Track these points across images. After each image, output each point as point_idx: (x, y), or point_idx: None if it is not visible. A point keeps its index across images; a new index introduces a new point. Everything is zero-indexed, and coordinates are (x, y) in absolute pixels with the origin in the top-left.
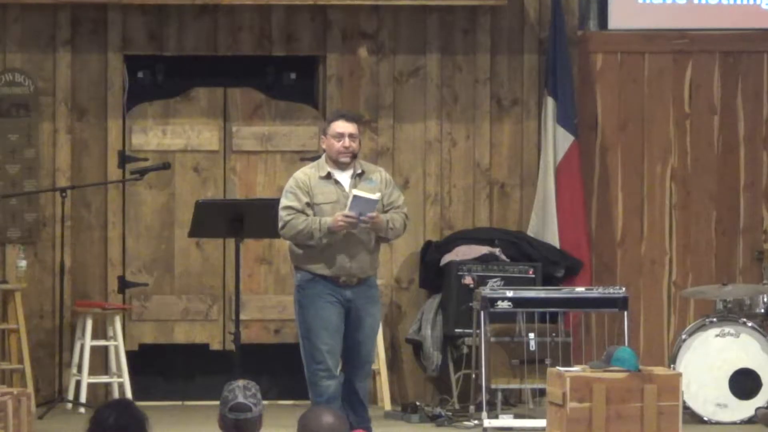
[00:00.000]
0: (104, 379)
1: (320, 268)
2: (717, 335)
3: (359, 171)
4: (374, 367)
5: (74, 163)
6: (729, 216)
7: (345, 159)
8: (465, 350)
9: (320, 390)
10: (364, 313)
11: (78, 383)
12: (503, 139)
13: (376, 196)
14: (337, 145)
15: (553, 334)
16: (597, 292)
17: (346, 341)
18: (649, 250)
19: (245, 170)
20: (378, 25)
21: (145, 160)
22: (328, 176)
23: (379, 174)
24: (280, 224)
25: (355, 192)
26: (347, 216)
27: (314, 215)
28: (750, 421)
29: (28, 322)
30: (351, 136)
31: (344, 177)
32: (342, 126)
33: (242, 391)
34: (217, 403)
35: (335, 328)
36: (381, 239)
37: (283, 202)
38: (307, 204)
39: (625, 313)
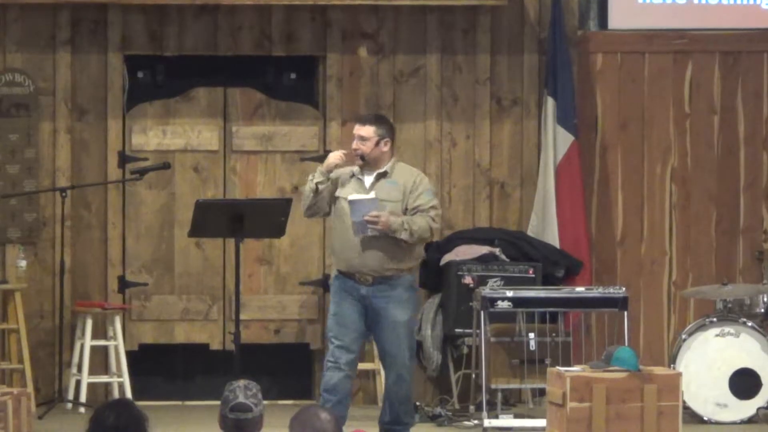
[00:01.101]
0: (104, 379)
1: (338, 264)
2: (717, 335)
3: (383, 170)
4: (374, 366)
5: (74, 163)
6: (729, 216)
7: (356, 162)
8: (465, 350)
9: (324, 380)
10: (381, 311)
11: (78, 383)
12: (503, 139)
13: (371, 195)
14: (351, 147)
15: (553, 334)
16: (597, 292)
17: (375, 340)
18: (649, 250)
19: (245, 170)
20: (378, 25)
21: (145, 160)
22: (353, 174)
23: (411, 176)
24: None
25: (350, 197)
26: (337, 155)
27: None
28: (750, 420)
29: (28, 322)
30: (361, 138)
31: (367, 177)
32: (355, 128)
33: (243, 391)
34: (218, 403)
35: (350, 324)
36: (400, 241)
37: None
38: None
39: (625, 313)
